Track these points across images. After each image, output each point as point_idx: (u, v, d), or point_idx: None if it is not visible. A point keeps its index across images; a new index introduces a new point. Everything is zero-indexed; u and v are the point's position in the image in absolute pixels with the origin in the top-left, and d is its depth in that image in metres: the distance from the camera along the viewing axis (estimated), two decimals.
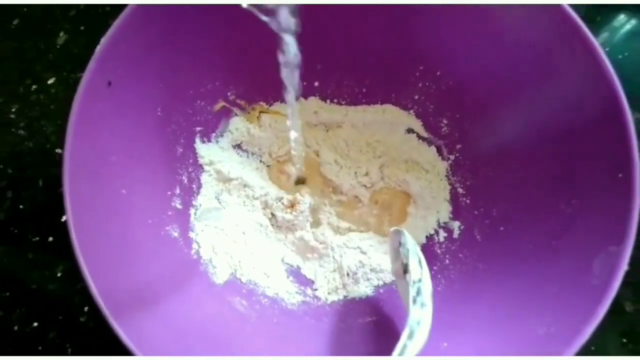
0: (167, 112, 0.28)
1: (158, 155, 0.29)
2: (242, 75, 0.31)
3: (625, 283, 0.34)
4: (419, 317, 0.23)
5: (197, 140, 0.32)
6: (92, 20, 0.39)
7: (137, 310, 0.23)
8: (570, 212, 0.25)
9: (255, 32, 0.29)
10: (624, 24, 0.41)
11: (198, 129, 0.32)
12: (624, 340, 0.33)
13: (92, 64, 0.23)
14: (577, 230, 0.24)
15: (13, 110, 0.37)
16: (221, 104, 0.32)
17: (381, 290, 0.31)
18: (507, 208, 0.28)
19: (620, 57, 0.39)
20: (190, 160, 0.31)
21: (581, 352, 0.31)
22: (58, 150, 0.36)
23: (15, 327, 0.33)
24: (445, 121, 0.32)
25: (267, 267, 0.32)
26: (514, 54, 0.26)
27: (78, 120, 0.23)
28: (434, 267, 0.30)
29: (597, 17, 0.41)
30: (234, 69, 0.31)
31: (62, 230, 0.34)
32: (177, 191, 0.30)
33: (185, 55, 0.27)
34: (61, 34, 0.39)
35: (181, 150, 0.31)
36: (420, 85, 0.32)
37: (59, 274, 0.34)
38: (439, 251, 0.31)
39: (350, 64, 0.32)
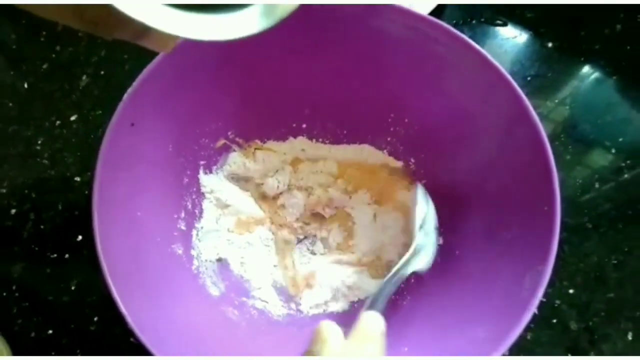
0: (177, 148, 0.34)
1: (167, 184, 0.34)
2: (241, 118, 0.37)
3: (571, 305, 0.39)
4: (423, 243, 0.27)
5: (201, 171, 0.37)
6: (111, 66, 0.45)
7: (147, 310, 0.27)
8: (509, 238, 0.30)
9: (255, 83, 0.35)
10: (590, 74, 0.47)
11: (202, 162, 0.37)
12: (569, 355, 0.37)
13: (119, 109, 0.28)
14: (514, 252, 0.29)
15: (39, 142, 0.42)
16: (222, 141, 0.38)
17: (355, 305, 0.36)
18: (462, 233, 0.33)
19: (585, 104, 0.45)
20: (194, 189, 0.36)
21: None
22: (77, 178, 0.41)
23: (33, 334, 0.37)
24: (412, 160, 0.38)
25: (257, 284, 0.37)
26: (463, 112, 0.32)
27: (106, 153, 0.28)
28: (401, 286, 0.35)
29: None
30: (234, 112, 0.36)
31: (77, 249, 0.39)
32: (182, 215, 0.35)
33: (194, 101, 0.33)
34: (84, 77, 0.44)
35: (187, 180, 0.36)
36: (391, 129, 0.37)
37: (72, 287, 0.38)
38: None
39: (334, 110, 0.37)
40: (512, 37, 0.48)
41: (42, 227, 0.40)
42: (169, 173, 0.34)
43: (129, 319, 0.26)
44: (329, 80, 0.35)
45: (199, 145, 0.36)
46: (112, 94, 0.44)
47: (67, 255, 0.39)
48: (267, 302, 0.36)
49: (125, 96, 0.29)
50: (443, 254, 0.35)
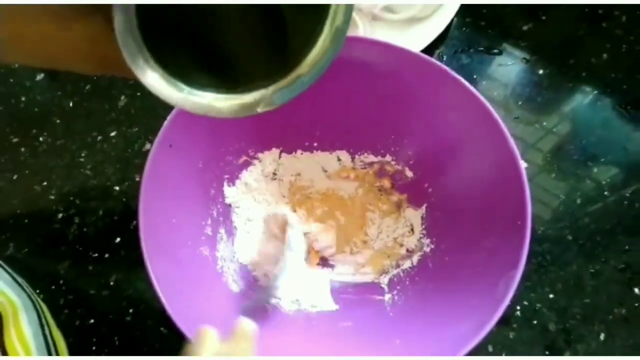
0: (206, 164, 0.39)
1: (197, 195, 0.39)
2: (260, 138, 0.42)
3: (550, 308, 0.43)
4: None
5: (225, 184, 0.43)
6: (145, 88, 0.50)
7: (181, 302, 0.32)
8: (490, 247, 0.35)
9: (275, 111, 0.40)
10: (577, 99, 0.52)
11: (226, 176, 0.42)
12: (547, 353, 0.42)
13: (161, 132, 0.34)
14: (493, 260, 0.34)
15: (82, 155, 0.48)
16: (244, 158, 0.43)
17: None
18: (451, 242, 0.39)
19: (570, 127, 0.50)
20: (220, 199, 0.42)
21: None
22: (116, 187, 0.47)
23: (77, 322, 0.42)
24: (410, 174, 0.43)
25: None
26: (453, 139, 0.37)
27: (150, 169, 0.33)
28: (398, 287, 0.40)
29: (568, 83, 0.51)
30: (255, 133, 0.42)
31: (116, 249, 0.45)
32: (209, 222, 0.40)
33: (221, 125, 0.38)
34: (122, 97, 0.50)
35: (213, 191, 0.41)
36: (392, 149, 0.43)
37: (111, 283, 0.44)
38: (402, 275, 0.41)
39: (341, 132, 0.43)
40: (506, 65, 0.52)
41: (85, 230, 0.45)
42: (199, 186, 0.39)
43: (168, 308, 0.31)
44: (336, 107, 0.41)
45: (224, 162, 0.41)
46: (146, 113, 0.49)
47: (107, 255, 0.44)
48: (279, 299, 0.41)
49: (165, 122, 0.34)
50: (435, 259, 0.40)
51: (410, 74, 0.37)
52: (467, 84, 0.35)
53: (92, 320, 0.43)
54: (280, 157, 0.45)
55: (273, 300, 0.39)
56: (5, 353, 0.32)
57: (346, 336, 0.38)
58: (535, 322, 0.42)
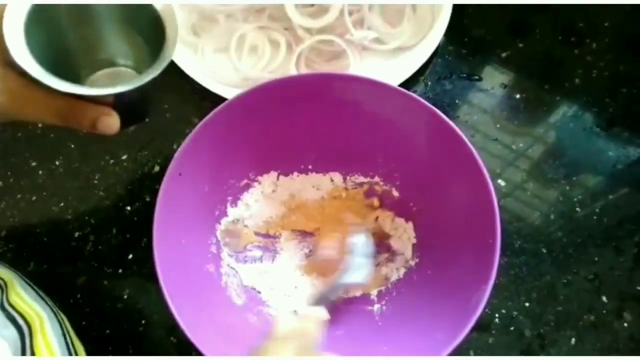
0: (211, 188, 0.43)
1: (203, 216, 0.43)
2: (260, 162, 0.47)
3: (526, 316, 0.47)
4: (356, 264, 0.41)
5: (228, 205, 0.47)
6: (154, 115, 0.54)
7: (190, 315, 0.36)
8: (467, 262, 0.39)
9: (270, 136, 0.45)
10: (551, 121, 0.56)
11: (229, 198, 0.47)
12: (523, 356, 0.46)
13: (172, 163, 0.38)
14: (468, 273, 0.38)
15: (96, 177, 0.52)
16: (245, 181, 0.47)
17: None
18: (434, 257, 0.43)
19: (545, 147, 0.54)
20: (223, 219, 0.46)
21: None
22: (127, 208, 0.50)
23: (94, 333, 0.46)
24: (396, 194, 0.48)
25: (271, 296, 0.46)
26: (428, 164, 0.43)
27: (162, 195, 0.37)
28: (386, 298, 0.45)
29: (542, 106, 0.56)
30: (255, 158, 0.46)
31: (129, 265, 0.49)
32: (214, 240, 0.44)
33: (224, 153, 0.42)
34: None
35: (217, 212, 0.45)
36: (380, 171, 0.48)
37: (125, 296, 0.47)
38: (390, 287, 0.45)
39: (334, 156, 0.48)
40: (486, 90, 0.57)
41: (100, 247, 0.49)
42: (205, 208, 0.44)
43: (180, 321, 0.35)
44: (328, 134, 0.46)
45: (227, 185, 0.46)
46: (155, 137, 0.53)
47: (120, 270, 0.48)
48: (277, 309, 0.45)
49: (175, 154, 0.38)
50: (419, 272, 0.45)
51: (390, 106, 0.42)
52: (443, 115, 0.40)
53: (107, 331, 0.46)
54: (278, 179, 0.49)
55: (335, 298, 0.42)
56: None
57: (338, 343, 0.42)
58: (512, 328, 0.47)
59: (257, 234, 0.48)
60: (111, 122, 0.33)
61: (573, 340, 0.46)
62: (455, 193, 0.42)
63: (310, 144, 0.46)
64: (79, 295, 0.47)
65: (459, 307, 0.36)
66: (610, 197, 0.52)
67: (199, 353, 0.43)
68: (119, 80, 0.35)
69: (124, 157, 0.53)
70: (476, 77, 0.57)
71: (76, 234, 0.50)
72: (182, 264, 0.39)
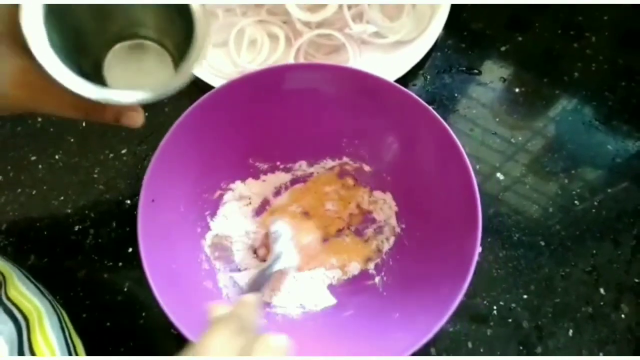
0: (187, 207, 0.44)
1: (187, 235, 0.44)
2: (228, 171, 0.47)
3: (524, 308, 0.48)
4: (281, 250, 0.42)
5: (209, 219, 0.47)
6: (153, 109, 0.54)
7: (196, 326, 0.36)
8: (451, 216, 0.40)
9: (240, 140, 0.45)
10: (550, 115, 0.56)
11: (207, 212, 0.47)
12: (521, 348, 0.46)
13: (142, 190, 0.38)
14: (455, 227, 0.39)
15: (96, 171, 0.52)
16: (218, 192, 0.47)
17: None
18: (419, 222, 0.45)
19: (544, 141, 0.55)
20: (207, 234, 0.46)
21: (487, 353, 0.45)
22: (127, 201, 0.50)
23: (94, 326, 0.45)
24: (368, 168, 0.49)
25: (274, 297, 0.46)
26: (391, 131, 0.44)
27: (142, 224, 0.37)
28: (384, 269, 0.46)
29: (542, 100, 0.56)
30: (222, 168, 0.46)
31: (128, 258, 0.49)
32: (203, 257, 0.45)
33: (193, 170, 0.43)
34: None
35: (199, 229, 0.46)
36: (346, 151, 0.49)
37: (125, 289, 0.47)
38: (385, 257, 0.47)
39: (299, 148, 0.49)
40: (485, 84, 0.57)
41: (100, 240, 0.49)
42: (186, 227, 0.44)
43: (187, 334, 0.35)
44: (289, 127, 0.46)
45: (202, 200, 0.46)
46: (154, 132, 0.53)
47: (120, 264, 0.48)
48: (285, 307, 0.45)
49: (144, 181, 0.38)
50: (408, 236, 0.46)
51: (345, 87, 0.43)
52: (396, 84, 0.41)
53: (108, 324, 0.46)
54: (247, 183, 0.49)
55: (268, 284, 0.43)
56: (33, 354, 0.35)
57: (351, 323, 0.43)
58: (510, 320, 0.47)
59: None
60: (137, 117, 0.32)
61: (571, 331, 0.46)
62: (424, 153, 0.43)
63: (274, 141, 0.47)
64: (79, 289, 0.48)
65: (455, 257, 0.37)
66: (609, 190, 0.52)
67: None
68: (143, 55, 0.32)
69: (124, 151, 0.53)
70: (475, 70, 0.57)
71: (76, 228, 0.50)
72: (180, 289, 0.39)
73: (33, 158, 0.53)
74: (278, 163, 0.49)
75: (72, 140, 0.53)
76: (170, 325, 0.45)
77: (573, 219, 0.51)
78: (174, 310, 0.35)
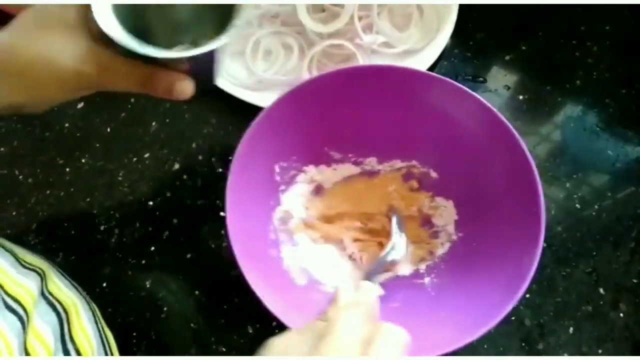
0: (267, 178, 0.47)
1: (261, 205, 0.47)
2: (306, 155, 0.50)
3: (526, 306, 0.50)
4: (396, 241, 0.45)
5: (280, 194, 0.50)
6: (173, 115, 0.57)
7: (262, 288, 0.39)
8: (512, 230, 0.42)
9: (318, 130, 0.48)
10: (553, 122, 0.59)
11: (281, 187, 0.50)
12: (523, 344, 0.48)
13: (235, 158, 0.42)
14: (515, 240, 0.41)
15: (120, 174, 0.55)
16: (293, 172, 0.50)
17: None
18: (476, 231, 0.47)
19: (546, 146, 0.57)
20: (277, 208, 0.49)
21: (490, 349, 0.47)
22: (150, 203, 0.53)
23: (119, 319, 0.49)
24: (435, 175, 0.51)
25: (326, 277, 0.48)
26: (473, 147, 0.46)
27: (231, 186, 0.41)
28: (435, 271, 0.48)
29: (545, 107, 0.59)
30: (302, 151, 0.50)
31: (151, 256, 0.52)
32: (271, 228, 0.48)
33: (277, 144, 0.47)
34: (153, 123, 0.57)
35: (272, 202, 0.49)
36: (416, 154, 0.51)
37: (147, 285, 0.50)
38: (437, 260, 0.49)
39: (372, 144, 0.51)
40: (490, 91, 0.59)
41: (124, 239, 0.52)
42: (262, 197, 0.48)
43: (259, 295, 0.38)
44: (367, 125, 0.49)
45: (279, 176, 0.49)
46: (174, 137, 0.56)
47: (143, 262, 0.51)
48: (334, 289, 0.47)
49: (237, 150, 0.42)
50: (464, 245, 0.48)
51: (427, 93, 0.46)
52: (481, 98, 0.44)
53: (132, 318, 0.49)
54: (319, 168, 0.52)
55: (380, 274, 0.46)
56: (75, 345, 0.37)
57: (396, 314, 0.45)
58: (513, 317, 0.49)
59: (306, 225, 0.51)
60: (185, 87, 0.36)
61: (571, 329, 0.48)
62: (494, 166, 0.45)
63: (350, 134, 0.49)
64: (104, 285, 0.50)
65: (510, 269, 0.39)
66: (609, 194, 0.54)
67: (221, 341, 0.46)
68: None
69: (146, 155, 0.56)
70: (481, 79, 0.60)
71: (102, 227, 0.53)
72: (250, 250, 0.42)
73: (61, 162, 0.56)
74: (350, 155, 0.52)
75: (97, 145, 0.56)
76: (190, 319, 0.49)
77: (574, 221, 0.53)
78: (245, 260, 0.39)
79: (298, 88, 0.44)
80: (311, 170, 0.51)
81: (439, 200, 0.51)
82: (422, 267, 0.49)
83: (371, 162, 0.52)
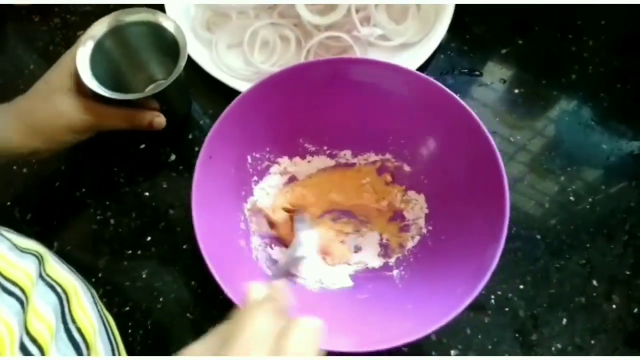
0: (237, 169, 0.47)
1: (232, 195, 0.47)
2: (279, 147, 0.50)
3: (520, 297, 0.50)
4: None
5: (253, 185, 0.50)
6: (169, 116, 0.58)
7: (228, 279, 0.39)
8: (479, 224, 0.42)
9: (287, 122, 0.48)
10: (547, 115, 0.59)
11: (254, 179, 0.50)
12: (517, 335, 0.49)
13: (204, 146, 0.42)
14: (481, 235, 0.41)
15: (117, 165, 0.55)
16: (266, 163, 0.50)
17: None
18: (445, 225, 0.47)
19: (541, 139, 0.57)
20: (249, 198, 0.49)
21: (484, 339, 0.47)
22: (146, 193, 0.53)
23: (115, 309, 0.49)
24: (408, 169, 0.51)
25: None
26: (443, 143, 0.47)
27: (197, 177, 0.41)
28: (404, 264, 0.49)
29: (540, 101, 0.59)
30: (275, 142, 0.50)
31: (147, 247, 0.52)
32: (242, 218, 0.48)
33: (248, 138, 0.47)
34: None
35: (243, 192, 0.49)
36: (391, 148, 0.51)
37: (143, 275, 0.50)
38: (406, 254, 0.49)
39: (347, 137, 0.52)
40: (486, 85, 0.59)
41: (120, 230, 0.52)
42: (233, 187, 0.47)
43: (222, 285, 0.38)
44: (342, 117, 0.49)
45: (252, 167, 0.49)
46: (171, 131, 0.56)
47: (139, 252, 0.51)
48: (305, 280, 0.48)
49: (206, 138, 0.42)
50: (433, 238, 0.48)
51: (401, 86, 0.46)
52: (451, 92, 0.44)
53: (127, 308, 0.49)
54: (293, 161, 0.52)
55: (294, 271, 0.47)
56: (76, 325, 0.37)
57: (364, 306, 0.46)
58: (507, 309, 0.49)
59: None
60: (160, 120, 0.50)
61: (564, 320, 0.49)
62: (463, 161, 0.45)
63: (325, 126, 0.50)
64: (100, 275, 0.50)
65: (474, 262, 0.40)
66: (603, 187, 0.55)
67: None
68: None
69: (143, 146, 0.56)
70: (477, 72, 0.60)
71: (98, 218, 0.53)
72: (219, 240, 0.42)
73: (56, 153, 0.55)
74: (325, 148, 0.52)
75: (93, 136, 0.56)
76: (186, 309, 0.49)
77: (568, 214, 0.53)
78: (210, 250, 0.39)
79: (269, 79, 0.44)
80: (285, 161, 0.52)
81: (411, 194, 0.51)
82: (392, 260, 0.50)
83: (346, 155, 0.53)
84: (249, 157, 0.49)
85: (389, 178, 0.52)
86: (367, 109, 0.48)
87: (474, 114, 0.43)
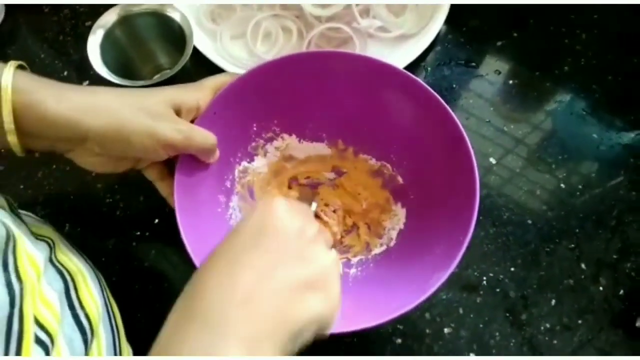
0: (238, 132, 0.49)
1: (227, 152, 0.49)
2: (290, 124, 0.52)
3: (511, 279, 0.52)
4: None
5: (250, 150, 0.52)
6: None
7: (193, 232, 0.42)
8: (448, 215, 0.44)
9: (282, 104, 0.50)
10: (541, 106, 0.61)
11: (253, 144, 0.52)
12: (507, 315, 0.51)
13: (210, 103, 0.44)
14: (450, 225, 0.43)
15: None
16: (270, 133, 0.52)
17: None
18: (415, 246, 0.48)
19: (534, 130, 0.59)
20: (243, 162, 0.52)
21: (476, 318, 0.49)
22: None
23: (124, 288, 0.50)
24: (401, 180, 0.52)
25: None
26: (419, 138, 0.48)
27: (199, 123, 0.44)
28: (363, 266, 0.50)
29: (534, 92, 0.61)
30: (282, 117, 0.51)
31: (155, 228, 0.54)
32: (230, 177, 0.50)
33: (251, 106, 0.48)
34: None
35: (240, 154, 0.51)
36: (391, 156, 0.52)
37: (151, 257, 0.52)
38: (370, 258, 0.50)
39: (350, 132, 0.53)
40: (481, 76, 0.61)
41: (128, 212, 0.54)
42: (231, 145, 0.49)
43: (188, 247, 0.41)
44: (344, 109, 0.51)
45: (254, 133, 0.51)
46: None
47: (147, 233, 0.53)
48: None
49: (214, 98, 0.45)
50: (399, 252, 0.49)
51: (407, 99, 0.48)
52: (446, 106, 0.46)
53: (136, 286, 0.51)
54: (300, 141, 0.54)
55: None
56: (84, 310, 0.39)
57: (355, 283, 0.48)
58: (498, 290, 0.52)
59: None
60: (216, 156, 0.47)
61: (553, 301, 0.51)
62: (446, 186, 0.46)
63: (333, 116, 0.51)
64: (109, 256, 0.53)
65: (447, 251, 0.41)
66: (594, 175, 0.57)
67: None
68: None
69: None
70: (473, 64, 0.62)
71: (107, 201, 0.55)
72: (197, 185, 0.45)
73: None
74: (330, 139, 0.54)
75: None
76: None
77: (558, 200, 0.56)
78: (182, 195, 0.43)
79: (290, 56, 0.47)
80: (292, 139, 0.53)
81: (394, 206, 0.52)
82: (355, 259, 0.51)
83: (349, 152, 0.54)
84: (253, 122, 0.51)
85: (380, 182, 0.53)
86: (368, 109, 0.50)
87: (434, 93, 0.46)
